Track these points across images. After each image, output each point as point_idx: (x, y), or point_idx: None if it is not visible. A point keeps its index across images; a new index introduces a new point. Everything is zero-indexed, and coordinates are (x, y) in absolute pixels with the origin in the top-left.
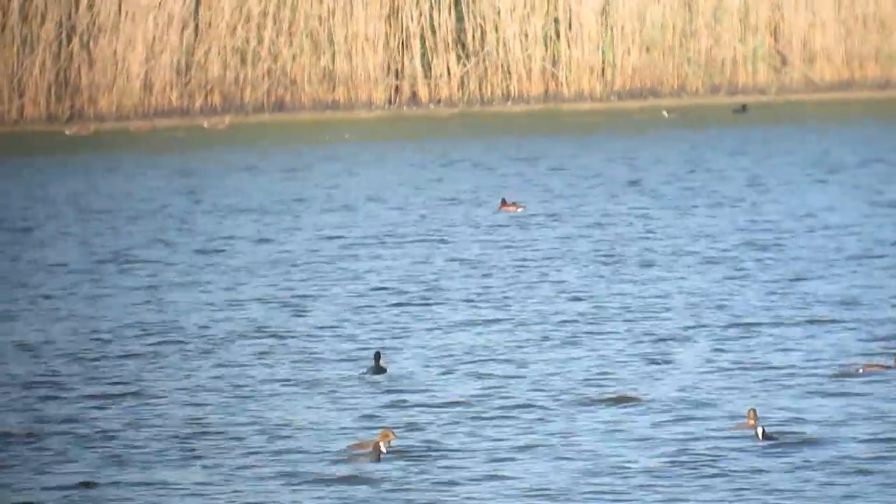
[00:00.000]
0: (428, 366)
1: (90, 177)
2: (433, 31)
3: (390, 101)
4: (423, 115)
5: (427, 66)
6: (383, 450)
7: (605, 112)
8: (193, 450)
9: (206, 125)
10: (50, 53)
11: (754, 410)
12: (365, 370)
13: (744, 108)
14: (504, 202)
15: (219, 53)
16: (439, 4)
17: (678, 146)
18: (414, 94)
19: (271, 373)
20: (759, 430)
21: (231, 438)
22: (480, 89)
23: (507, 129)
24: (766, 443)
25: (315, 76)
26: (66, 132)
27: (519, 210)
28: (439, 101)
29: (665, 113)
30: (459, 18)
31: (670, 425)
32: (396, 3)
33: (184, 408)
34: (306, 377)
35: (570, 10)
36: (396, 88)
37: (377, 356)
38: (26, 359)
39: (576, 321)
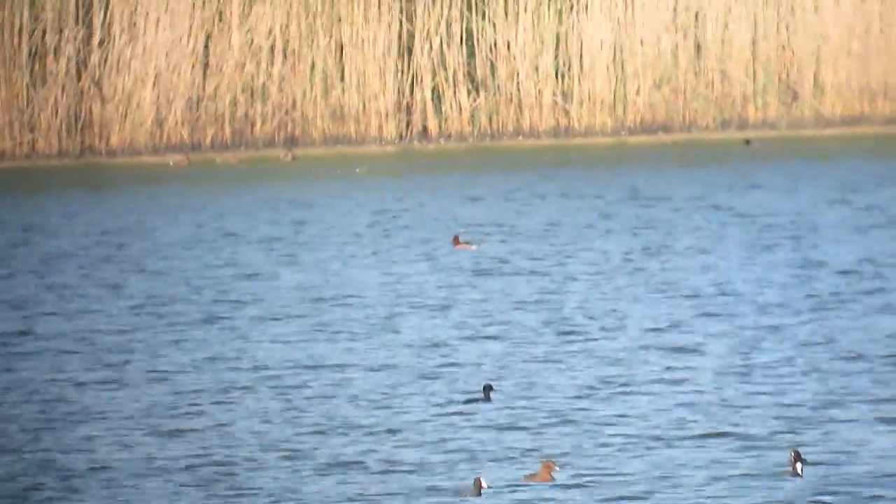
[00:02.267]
0: (531, 398)
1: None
2: (444, 66)
3: (401, 136)
4: (434, 149)
5: (438, 101)
6: (484, 485)
7: (617, 146)
8: (297, 489)
9: (282, 157)
10: (62, 89)
11: (796, 451)
12: (470, 400)
13: (748, 142)
14: (457, 239)
15: (229, 87)
16: (450, 39)
17: (688, 180)
18: (425, 129)
19: (362, 405)
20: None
21: (335, 475)
22: (491, 124)
23: (518, 164)
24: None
25: (325, 111)
26: (170, 162)
27: (473, 248)
28: (450, 135)
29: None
30: (470, 53)
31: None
32: (407, 38)
33: (278, 442)
34: (402, 410)
35: (582, 45)
36: (407, 123)
37: (487, 388)
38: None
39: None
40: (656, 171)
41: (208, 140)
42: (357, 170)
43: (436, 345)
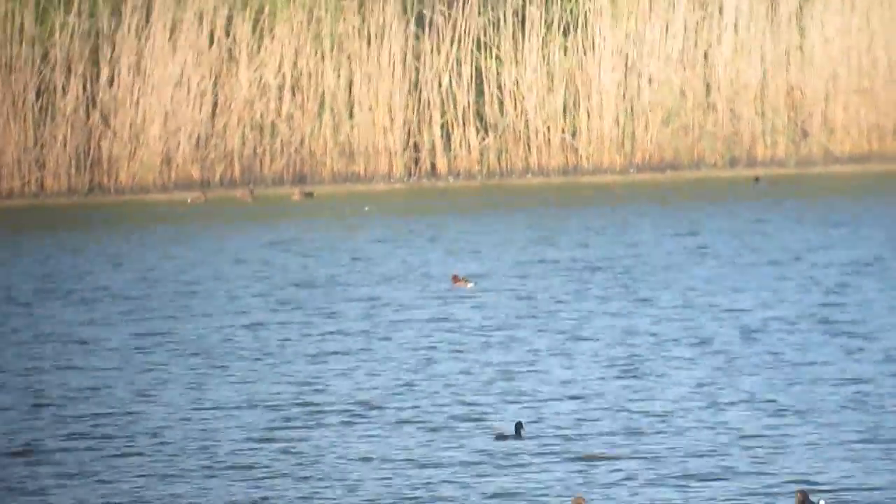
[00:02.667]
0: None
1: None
2: (453, 104)
3: (409, 174)
4: (443, 187)
5: (446, 139)
6: None
7: (625, 184)
8: None
9: (293, 196)
10: (70, 127)
11: (802, 492)
12: (501, 437)
13: (757, 179)
14: (456, 278)
15: (238, 125)
16: (459, 78)
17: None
18: (433, 167)
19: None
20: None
21: None
22: (500, 162)
23: (531, 201)
24: None
25: (334, 149)
26: (188, 199)
27: (469, 286)
28: (458, 173)
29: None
30: (479, 91)
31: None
32: (416, 75)
33: (315, 478)
34: (435, 446)
35: (590, 83)
36: (416, 161)
37: (519, 426)
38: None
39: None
40: (675, 206)
41: (217, 178)
42: (366, 208)
43: (469, 382)
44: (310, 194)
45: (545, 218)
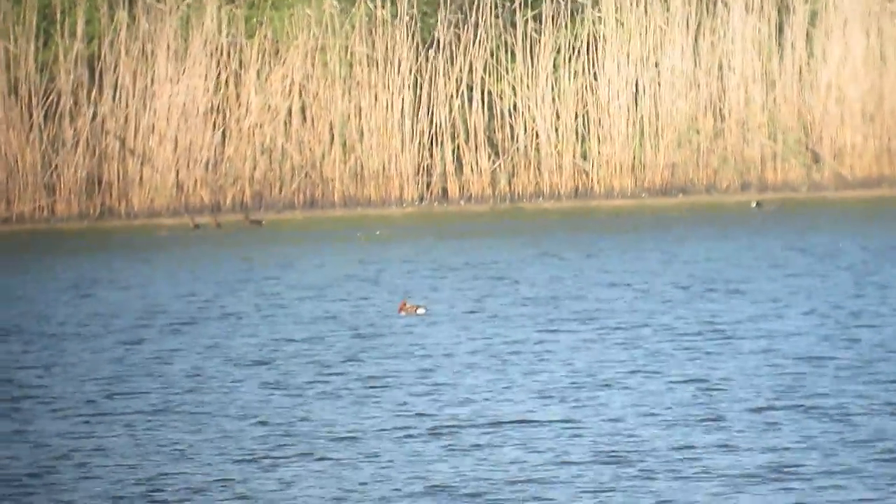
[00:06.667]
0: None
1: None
2: (464, 128)
3: (421, 198)
4: (455, 211)
5: (458, 163)
6: None
7: (638, 208)
8: None
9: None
10: (80, 152)
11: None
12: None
13: (758, 204)
14: (404, 305)
15: (248, 147)
16: (469, 101)
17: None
18: (444, 191)
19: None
20: None
21: None
22: (511, 186)
23: (544, 226)
24: None
25: (346, 173)
26: (216, 223)
27: (421, 312)
28: (470, 197)
29: None
30: (490, 115)
31: None
32: (427, 99)
33: None
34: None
35: (601, 107)
36: (427, 185)
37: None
38: None
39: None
40: (691, 232)
41: (228, 202)
42: (377, 232)
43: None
44: (258, 222)
45: (568, 241)
